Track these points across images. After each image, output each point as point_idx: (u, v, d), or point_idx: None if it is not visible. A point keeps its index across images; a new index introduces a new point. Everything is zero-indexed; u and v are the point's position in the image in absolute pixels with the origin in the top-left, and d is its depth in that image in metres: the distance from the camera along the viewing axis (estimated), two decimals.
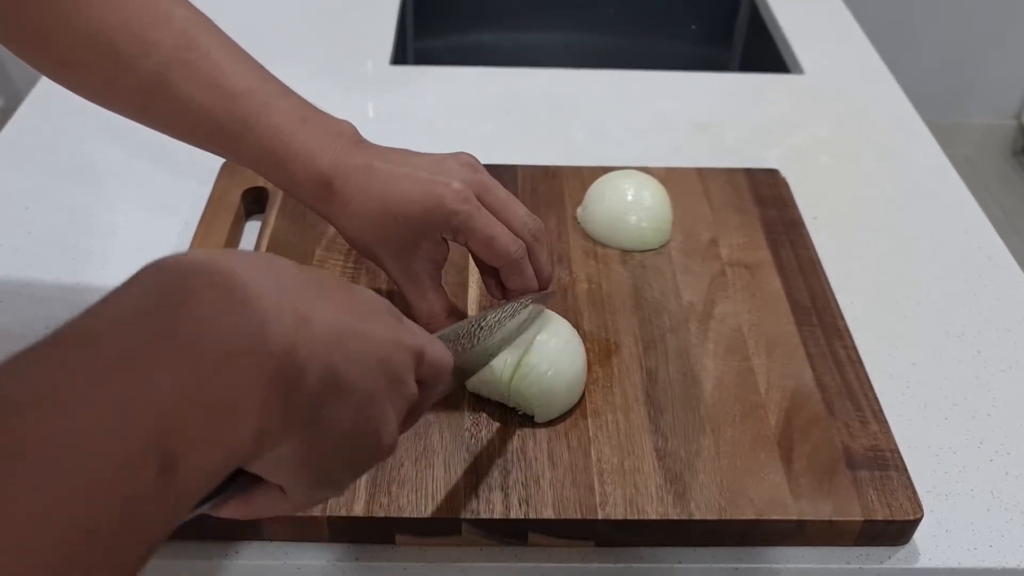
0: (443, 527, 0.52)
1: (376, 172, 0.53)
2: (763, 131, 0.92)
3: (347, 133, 0.55)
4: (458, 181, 0.53)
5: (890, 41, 1.48)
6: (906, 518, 0.53)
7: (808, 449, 0.56)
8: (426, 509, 0.52)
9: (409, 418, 0.40)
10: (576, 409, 0.58)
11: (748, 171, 0.80)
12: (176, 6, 0.54)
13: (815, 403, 0.59)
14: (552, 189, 0.77)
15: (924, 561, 0.54)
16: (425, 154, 0.56)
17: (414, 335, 0.39)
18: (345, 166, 0.53)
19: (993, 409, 0.63)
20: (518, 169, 0.79)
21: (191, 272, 0.30)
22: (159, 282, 0.30)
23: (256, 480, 0.35)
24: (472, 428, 0.57)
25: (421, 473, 0.54)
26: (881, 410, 0.59)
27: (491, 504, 0.52)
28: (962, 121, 2.40)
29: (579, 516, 0.52)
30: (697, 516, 0.52)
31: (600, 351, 0.62)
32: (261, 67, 0.55)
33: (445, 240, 0.55)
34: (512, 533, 0.53)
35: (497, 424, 0.57)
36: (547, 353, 0.56)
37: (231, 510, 0.36)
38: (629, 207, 0.71)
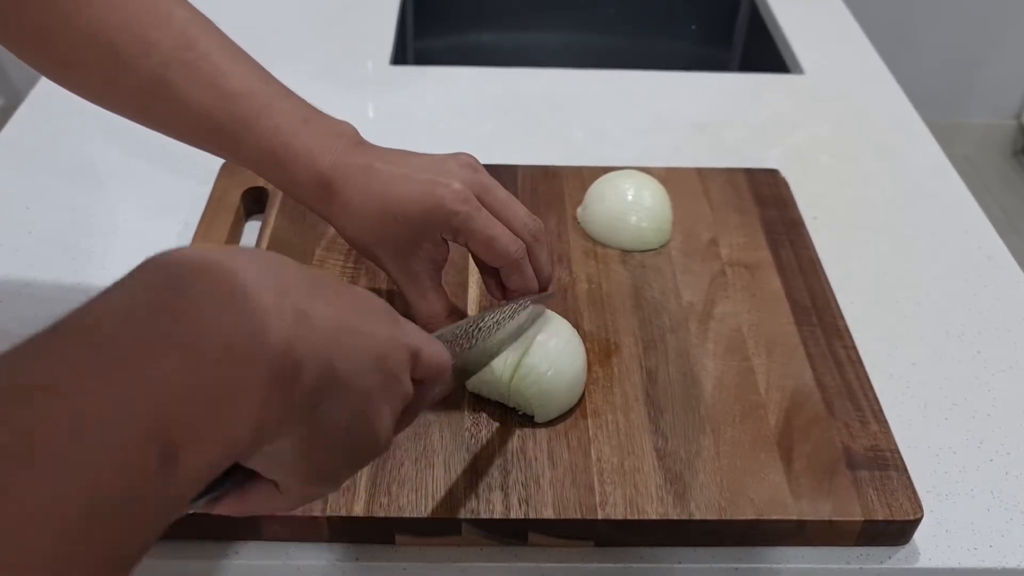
0: (443, 527, 0.52)
1: (376, 173, 0.53)
2: (763, 131, 0.92)
3: (348, 134, 0.55)
4: (458, 182, 0.53)
5: (890, 41, 1.48)
6: (906, 518, 0.53)
7: (808, 449, 0.56)
8: (426, 509, 0.52)
9: (405, 417, 0.40)
10: (576, 409, 0.58)
11: (748, 171, 0.81)
12: (176, 6, 0.54)
13: (815, 403, 0.59)
14: (552, 189, 0.77)
15: (924, 561, 0.54)
16: (425, 155, 0.56)
17: (412, 334, 0.39)
18: (345, 167, 0.54)
19: (993, 409, 0.63)
20: (518, 169, 0.79)
21: (192, 267, 0.30)
22: (160, 276, 0.30)
23: (251, 477, 0.35)
24: (472, 428, 0.57)
25: (421, 473, 0.54)
26: (881, 410, 0.59)
27: (491, 504, 0.52)
28: (962, 121, 2.40)
29: (579, 516, 0.52)
30: (697, 516, 0.52)
31: (600, 351, 0.62)
32: (261, 68, 0.55)
33: (445, 240, 0.55)
34: (512, 533, 0.53)
35: (497, 424, 0.57)
36: (547, 353, 0.56)
37: (226, 507, 0.36)
38: (629, 207, 0.71)
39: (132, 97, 0.55)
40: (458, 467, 0.54)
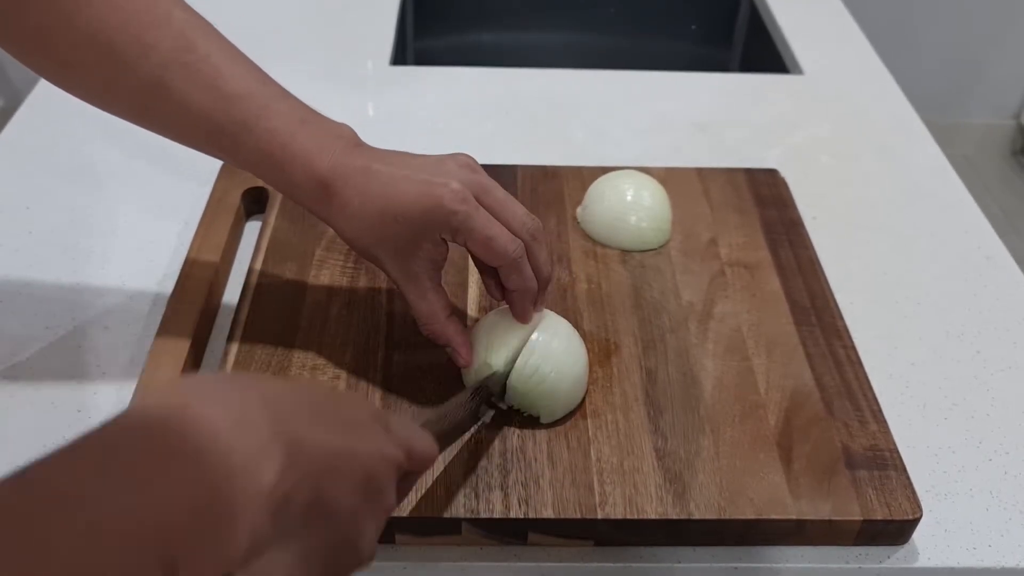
0: (443, 527, 0.52)
1: (375, 174, 0.54)
2: (763, 131, 0.92)
3: (346, 136, 0.55)
4: (456, 181, 0.53)
5: (890, 41, 1.48)
6: (905, 518, 0.53)
7: (807, 449, 0.56)
8: (426, 509, 0.52)
9: (388, 514, 0.42)
10: (576, 409, 0.58)
11: (748, 171, 0.81)
12: (175, 8, 0.54)
13: (814, 403, 0.59)
14: (552, 189, 0.77)
15: (923, 561, 0.54)
16: (423, 156, 0.56)
17: (397, 441, 0.41)
18: (344, 168, 0.54)
19: (992, 409, 0.63)
20: (518, 169, 0.79)
21: (183, 408, 0.32)
22: (155, 416, 0.32)
23: None
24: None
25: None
26: (880, 410, 0.59)
27: (491, 504, 0.52)
28: (962, 121, 2.40)
29: (579, 516, 0.52)
30: (697, 516, 0.52)
31: (600, 351, 0.62)
32: (260, 70, 0.56)
33: (444, 241, 0.55)
34: (512, 533, 0.53)
35: (497, 424, 0.57)
36: (550, 354, 0.56)
37: None
38: (629, 207, 0.71)
39: (131, 98, 0.55)
40: (458, 467, 0.54)
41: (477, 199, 0.53)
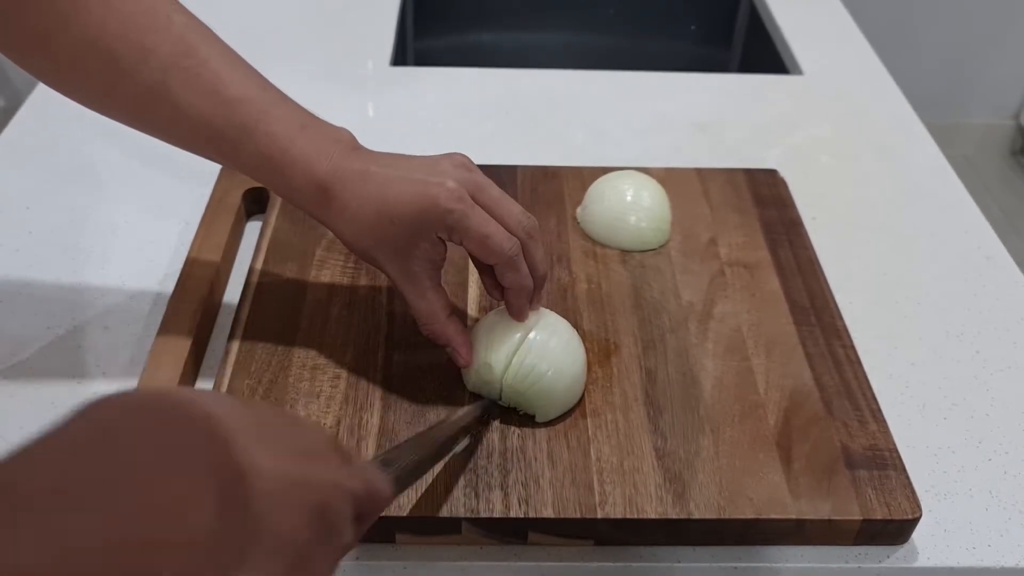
0: (443, 526, 0.52)
1: (372, 176, 0.54)
2: (763, 131, 0.92)
3: (344, 140, 0.56)
4: (452, 180, 0.53)
5: (889, 41, 1.48)
6: (905, 517, 0.53)
7: (807, 449, 0.56)
8: (426, 508, 0.52)
9: (343, 553, 0.39)
10: (576, 409, 0.58)
11: (747, 171, 0.81)
12: (174, 12, 0.54)
13: (814, 403, 0.59)
14: (552, 189, 0.77)
15: (923, 560, 0.54)
16: (419, 157, 0.56)
17: (353, 474, 0.38)
18: (342, 172, 0.54)
19: (992, 409, 0.63)
20: (518, 169, 0.79)
21: (124, 423, 0.28)
22: (90, 432, 0.28)
23: None
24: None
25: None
26: (880, 410, 0.59)
27: (491, 503, 0.52)
28: (961, 121, 2.40)
29: (579, 515, 0.52)
30: (696, 515, 0.52)
31: (599, 351, 0.63)
32: (259, 75, 0.56)
33: (442, 240, 0.55)
34: (512, 532, 0.53)
35: (497, 424, 0.57)
36: (547, 353, 0.56)
37: None
38: (628, 207, 0.71)
39: (131, 103, 0.55)
40: (458, 466, 0.54)
41: (473, 198, 0.54)
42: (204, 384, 0.62)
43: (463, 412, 0.54)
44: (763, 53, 1.15)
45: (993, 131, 2.45)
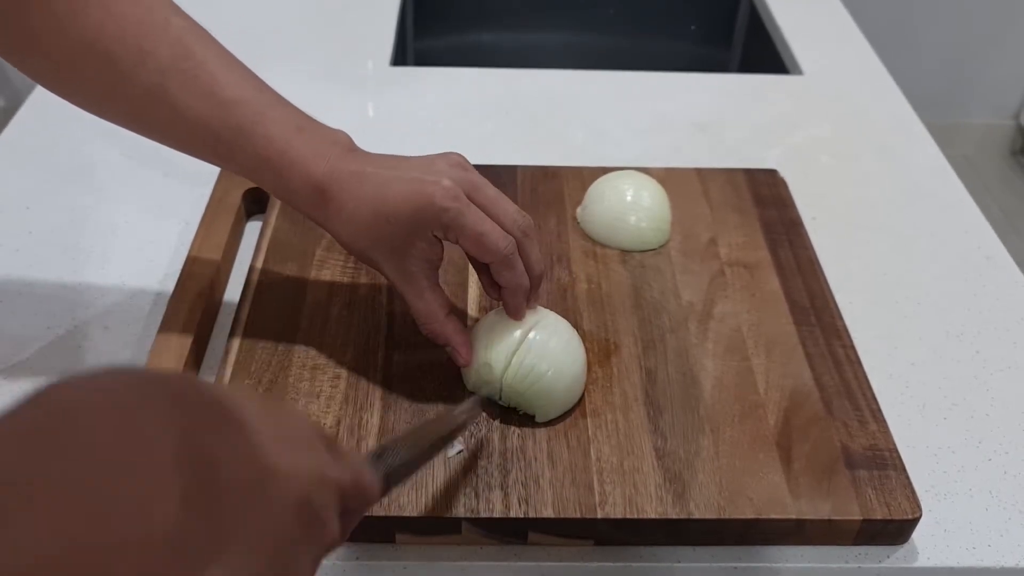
0: (443, 526, 0.52)
1: (368, 177, 0.54)
2: (763, 131, 0.92)
3: (341, 142, 0.56)
4: (447, 179, 0.53)
5: (889, 41, 1.48)
6: (905, 517, 0.53)
7: (807, 449, 0.56)
8: (426, 508, 0.52)
9: (330, 549, 0.36)
10: (576, 409, 0.58)
11: (747, 171, 0.81)
12: (172, 15, 0.54)
13: (814, 403, 0.59)
14: (552, 189, 0.77)
15: (923, 560, 0.54)
16: (415, 157, 0.56)
17: (340, 466, 0.36)
18: (339, 173, 0.54)
19: (992, 409, 0.63)
20: (518, 169, 0.79)
21: (79, 407, 0.26)
22: (40, 417, 0.26)
23: None
24: (472, 428, 0.57)
25: (421, 472, 0.54)
26: (880, 410, 0.59)
27: (491, 503, 0.52)
28: (961, 121, 2.40)
29: (579, 515, 0.52)
30: (696, 515, 0.52)
31: (600, 351, 0.63)
32: (256, 77, 0.56)
33: (438, 239, 0.55)
34: (512, 532, 0.53)
35: (497, 424, 0.57)
36: (547, 353, 0.56)
37: None
38: (628, 207, 0.71)
39: (128, 105, 0.55)
40: (458, 466, 0.54)
41: (468, 196, 0.54)
42: None
43: (460, 410, 0.53)
44: (763, 53, 1.15)
45: (993, 131, 2.45)
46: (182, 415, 0.28)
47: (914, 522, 0.54)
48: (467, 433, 0.56)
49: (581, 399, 0.59)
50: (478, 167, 0.56)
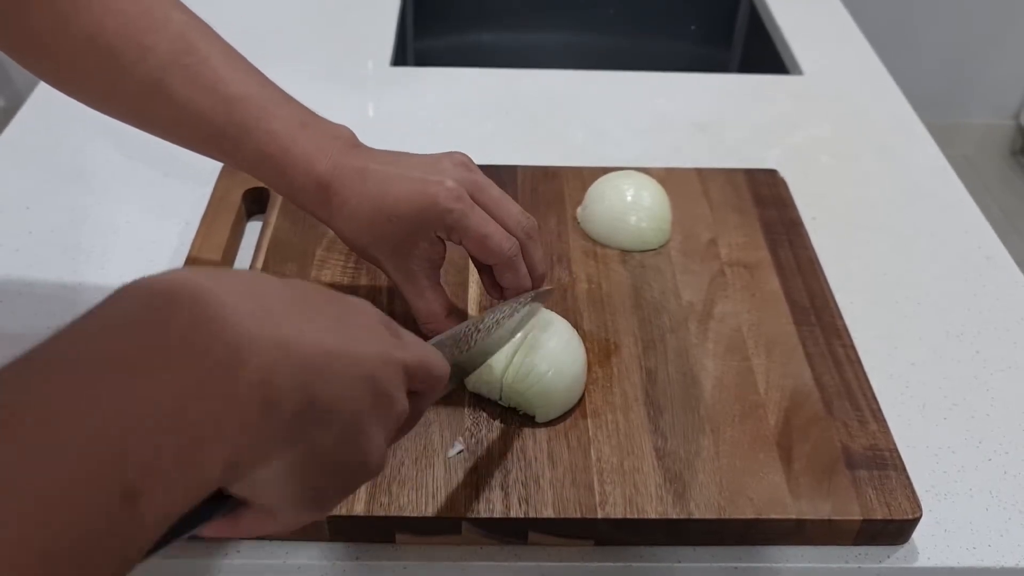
0: (443, 526, 0.52)
1: (371, 174, 0.54)
2: (763, 131, 0.92)
3: (344, 137, 0.56)
4: (452, 180, 0.53)
5: (889, 41, 1.48)
6: (905, 517, 0.53)
7: (807, 449, 0.56)
8: (426, 508, 0.52)
9: (402, 429, 0.39)
10: (576, 409, 0.58)
11: (747, 171, 0.81)
12: (173, 10, 0.54)
13: (814, 403, 0.59)
14: (552, 189, 0.77)
15: (923, 560, 0.54)
16: (419, 155, 0.56)
17: (405, 347, 0.38)
18: (342, 169, 0.54)
19: (992, 409, 0.63)
20: (518, 169, 0.79)
21: (166, 296, 0.29)
22: (133, 305, 0.29)
23: (243, 501, 0.34)
24: (472, 428, 0.57)
25: (421, 473, 0.54)
26: (880, 410, 0.59)
27: (491, 503, 0.52)
28: (961, 121, 2.40)
29: (579, 515, 0.52)
30: (697, 515, 0.52)
31: (600, 351, 0.63)
32: (259, 72, 0.56)
33: (441, 239, 0.55)
34: (512, 532, 0.53)
35: (497, 424, 0.57)
36: (547, 353, 0.56)
37: (218, 530, 0.34)
38: (629, 207, 0.71)
39: (131, 102, 0.55)
40: (458, 467, 0.54)
41: (472, 197, 0.54)
42: None
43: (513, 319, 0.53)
44: (763, 53, 1.15)
45: (993, 131, 2.45)
46: (260, 300, 0.32)
47: (914, 522, 0.54)
48: (467, 433, 0.56)
49: (581, 399, 0.59)
50: (479, 167, 0.56)
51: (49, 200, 0.79)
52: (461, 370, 0.49)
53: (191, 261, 0.67)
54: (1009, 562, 0.54)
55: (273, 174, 0.55)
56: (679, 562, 0.54)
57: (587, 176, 0.77)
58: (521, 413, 0.57)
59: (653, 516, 0.52)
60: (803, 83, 1.02)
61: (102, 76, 0.53)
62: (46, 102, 0.90)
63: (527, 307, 0.56)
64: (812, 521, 0.53)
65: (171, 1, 0.54)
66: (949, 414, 0.63)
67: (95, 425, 0.25)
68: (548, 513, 0.52)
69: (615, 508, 0.52)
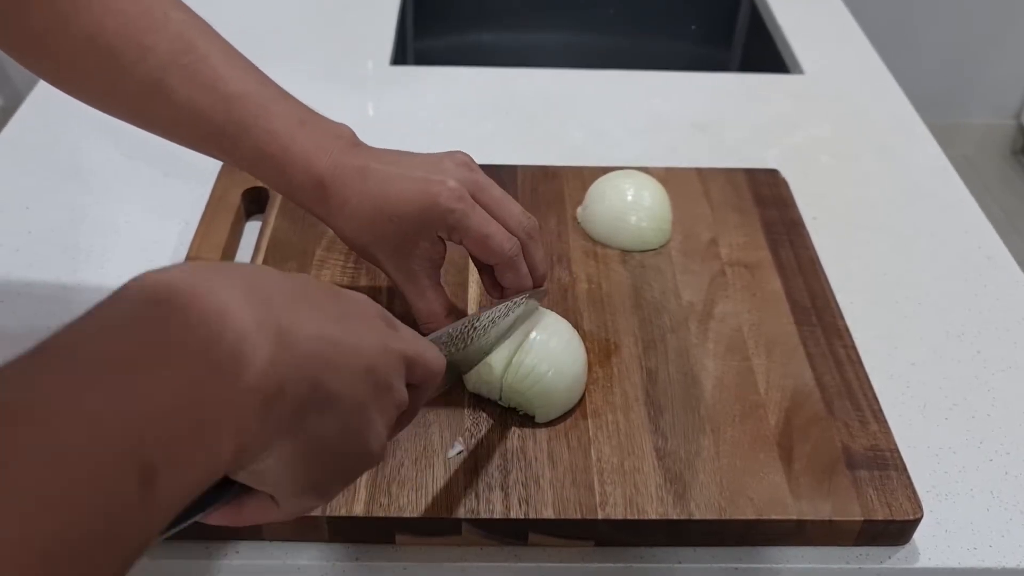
0: (443, 527, 0.52)
1: (372, 173, 0.54)
2: (763, 131, 0.92)
3: (344, 136, 0.55)
4: (453, 180, 0.53)
5: (890, 41, 1.48)
6: (906, 518, 0.53)
7: (808, 449, 0.56)
8: (426, 509, 0.52)
9: (401, 422, 0.40)
10: (576, 409, 0.58)
11: (748, 171, 0.81)
12: (172, 9, 0.54)
13: (815, 403, 0.59)
14: (552, 189, 0.77)
15: (924, 561, 0.54)
16: (421, 154, 0.56)
17: (404, 340, 0.39)
18: (342, 168, 0.54)
19: (993, 409, 0.63)
20: (518, 169, 0.79)
21: (170, 290, 0.30)
22: (139, 299, 0.30)
23: (247, 488, 0.35)
24: (472, 428, 0.57)
25: (421, 473, 0.54)
26: (881, 410, 0.59)
27: (491, 504, 0.52)
28: (962, 121, 2.40)
29: (579, 516, 0.52)
30: (697, 516, 0.52)
31: (600, 351, 0.62)
32: (258, 71, 0.56)
33: (442, 239, 0.55)
34: (512, 533, 0.53)
35: (497, 424, 0.57)
36: (547, 353, 0.56)
37: (222, 517, 0.35)
38: (629, 207, 0.71)
39: (130, 101, 0.55)
40: (458, 467, 0.54)
41: (474, 197, 0.53)
42: None
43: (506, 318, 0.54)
44: (763, 53, 1.15)
45: (993, 131, 2.45)
46: (263, 293, 0.32)
47: (915, 523, 0.54)
48: (467, 434, 0.56)
49: (582, 399, 0.58)
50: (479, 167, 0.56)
51: (48, 199, 0.78)
52: (457, 368, 0.49)
53: (190, 261, 0.67)
54: (1010, 563, 0.54)
55: (272, 172, 0.55)
56: (679, 563, 0.54)
57: (587, 176, 0.77)
58: (521, 413, 0.57)
59: (653, 517, 0.52)
60: (803, 83, 1.01)
61: (102, 76, 0.53)
62: (45, 101, 0.90)
63: (523, 306, 0.56)
64: (813, 522, 0.53)
65: (171, 0, 0.54)
66: (950, 414, 0.63)
67: (111, 410, 0.26)
68: (548, 514, 0.52)
69: (615, 509, 0.52)
